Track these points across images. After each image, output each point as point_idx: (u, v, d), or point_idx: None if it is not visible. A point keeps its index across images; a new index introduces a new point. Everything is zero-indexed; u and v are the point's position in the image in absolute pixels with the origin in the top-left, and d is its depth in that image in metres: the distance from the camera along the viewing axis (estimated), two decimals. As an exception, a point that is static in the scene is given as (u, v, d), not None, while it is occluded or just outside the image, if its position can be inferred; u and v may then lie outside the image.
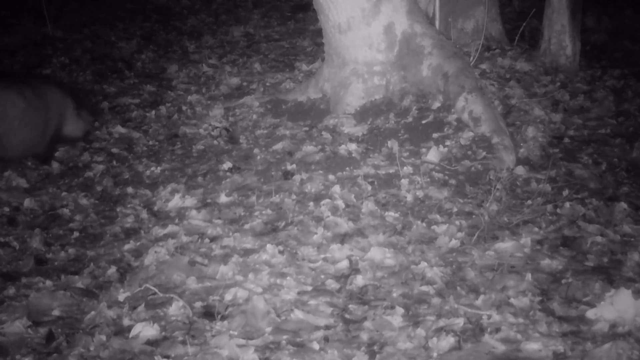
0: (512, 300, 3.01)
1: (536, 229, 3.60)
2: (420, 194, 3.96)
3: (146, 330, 2.85)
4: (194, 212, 3.90)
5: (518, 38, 6.09)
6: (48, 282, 3.28)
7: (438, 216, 3.74)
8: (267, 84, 5.94)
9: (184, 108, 5.54)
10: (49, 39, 7.43)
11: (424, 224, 3.67)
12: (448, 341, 2.74)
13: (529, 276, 3.16)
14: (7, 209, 4.08)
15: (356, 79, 4.92)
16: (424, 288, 3.12)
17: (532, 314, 2.92)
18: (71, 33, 7.65)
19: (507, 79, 5.51)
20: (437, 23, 5.29)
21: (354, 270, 3.28)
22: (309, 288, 3.16)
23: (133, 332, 2.85)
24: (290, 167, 4.34)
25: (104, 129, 5.24)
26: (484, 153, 4.29)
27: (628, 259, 3.31)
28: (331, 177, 4.20)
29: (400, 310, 2.94)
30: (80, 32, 7.70)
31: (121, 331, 2.88)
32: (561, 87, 5.50)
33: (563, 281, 3.16)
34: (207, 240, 3.60)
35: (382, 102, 4.87)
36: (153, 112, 5.51)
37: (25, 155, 4.68)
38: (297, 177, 4.21)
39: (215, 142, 4.90)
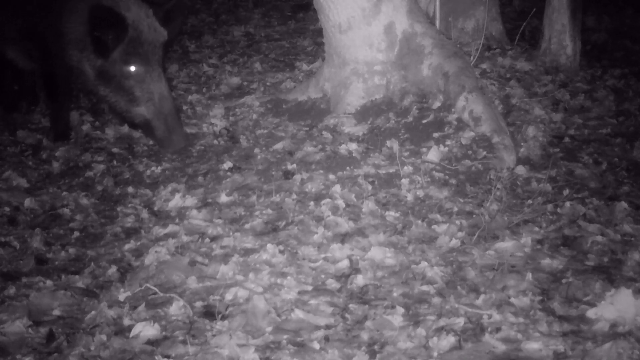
0: (512, 299, 3.00)
1: (536, 229, 3.60)
2: (420, 193, 3.96)
3: (147, 330, 2.85)
4: (194, 212, 3.90)
5: (518, 37, 6.08)
6: (48, 282, 3.28)
7: (438, 216, 3.74)
8: (268, 83, 5.94)
9: (184, 108, 5.54)
10: (50, 38, 7.41)
11: (425, 224, 3.67)
12: (448, 341, 2.73)
13: (529, 276, 3.16)
14: (7, 209, 4.07)
15: (356, 78, 4.91)
16: (425, 287, 3.11)
17: (532, 314, 2.92)
18: (71, 33, 7.63)
19: (508, 79, 5.50)
20: (437, 22, 5.29)
21: (355, 269, 3.27)
22: (310, 288, 3.15)
23: (133, 332, 2.84)
24: (290, 166, 4.34)
25: (105, 128, 5.24)
26: (485, 152, 4.29)
27: (628, 259, 3.31)
28: (331, 176, 4.20)
29: (400, 309, 2.94)
30: (80, 31, 7.68)
31: (122, 331, 2.88)
32: (561, 87, 5.49)
33: (563, 281, 3.15)
34: (207, 239, 3.60)
35: (383, 102, 4.87)
36: (153, 111, 5.50)
37: None
38: (297, 177, 4.21)
39: (215, 141, 4.89)
